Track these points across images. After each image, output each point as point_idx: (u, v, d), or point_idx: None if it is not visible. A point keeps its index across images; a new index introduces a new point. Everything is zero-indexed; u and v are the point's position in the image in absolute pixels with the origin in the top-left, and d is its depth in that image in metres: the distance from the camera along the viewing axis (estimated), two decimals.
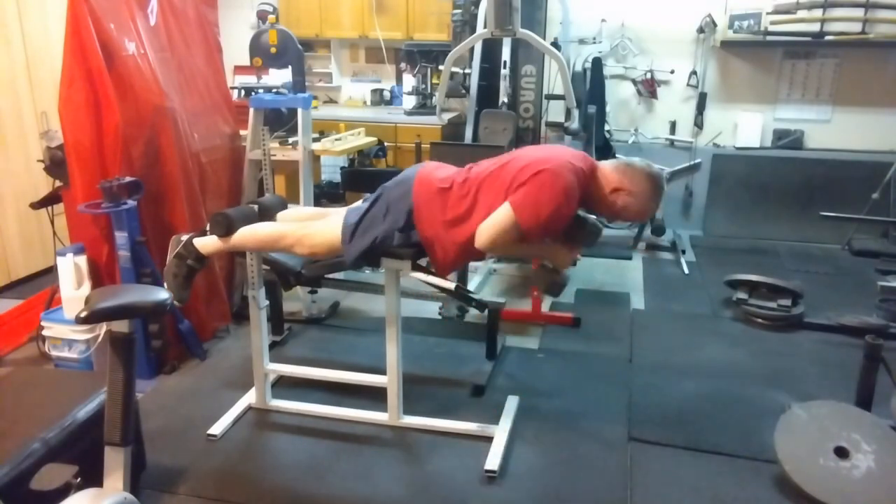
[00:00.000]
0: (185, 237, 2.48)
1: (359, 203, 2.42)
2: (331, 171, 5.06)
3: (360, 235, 2.28)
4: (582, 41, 5.24)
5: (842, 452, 2.25)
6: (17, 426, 1.87)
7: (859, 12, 4.74)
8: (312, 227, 2.37)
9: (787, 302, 3.66)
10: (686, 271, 4.50)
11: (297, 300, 3.71)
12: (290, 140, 3.71)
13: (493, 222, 2.14)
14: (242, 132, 3.70)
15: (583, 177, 2.19)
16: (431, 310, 3.68)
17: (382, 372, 2.60)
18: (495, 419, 2.64)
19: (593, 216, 2.33)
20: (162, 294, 1.61)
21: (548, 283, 2.37)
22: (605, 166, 2.27)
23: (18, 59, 3.91)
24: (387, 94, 5.90)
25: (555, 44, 4.89)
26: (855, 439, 2.27)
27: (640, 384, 3.00)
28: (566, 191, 2.11)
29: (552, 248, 2.30)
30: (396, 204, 2.26)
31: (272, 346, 3.18)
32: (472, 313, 3.62)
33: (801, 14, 4.82)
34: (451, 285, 2.27)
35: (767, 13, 4.88)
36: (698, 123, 5.27)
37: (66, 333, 2.94)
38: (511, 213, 2.11)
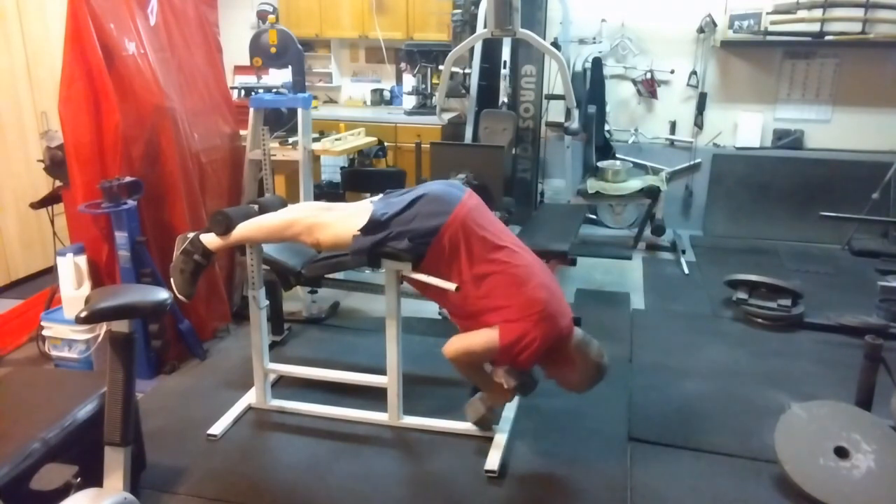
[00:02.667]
0: (191, 234, 2.49)
1: (378, 197, 2.43)
2: (331, 171, 5.06)
3: (378, 230, 2.27)
4: (582, 41, 5.24)
5: (842, 452, 2.25)
6: (17, 426, 1.87)
7: (859, 12, 4.74)
8: (324, 217, 2.36)
9: (787, 302, 3.65)
10: (686, 271, 4.50)
11: (297, 300, 3.71)
12: (290, 140, 3.71)
13: (473, 341, 2.23)
14: (242, 132, 3.70)
15: (563, 336, 2.27)
16: (431, 310, 3.68)
17: (382, 372, 2.60)
18: (495, 419, 2.64)
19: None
20: (162, 294, 1.62)
21: (480, 416, 2.53)
22: (575, 333, 2.34)
23: (18, 59, 3.91)
24: (387, 94, 5.90)
25: (555, 44, 4.89)
26: (855, 439, 2.27)
27: (640, 384, 3.00)
28: (548, 345, 2.21)
29: (496, 387, 2.37)
30: (425, 218, 2.25)
31: (272, 346, 3.18)
32: None
33: (801, 14, 4.82)
34: (451, 286, 2.28)
35: (767, 13, 4.88)
36: (698, 123, 5.27)
37: (66, 333, 2.94)
38: (496, 341, 2.18)
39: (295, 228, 2.36)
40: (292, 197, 3.67)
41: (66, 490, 1.70)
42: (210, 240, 2.45)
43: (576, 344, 2.31)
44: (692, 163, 5.35)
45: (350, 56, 6.00)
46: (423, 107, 5.42)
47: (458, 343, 2.27)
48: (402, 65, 5.63)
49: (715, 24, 5.02)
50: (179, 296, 2.42)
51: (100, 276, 3.02)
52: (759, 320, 3.64)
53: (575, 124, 4.26)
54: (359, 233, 2.28)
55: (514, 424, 2.64)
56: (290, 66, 3.89)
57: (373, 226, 2.27)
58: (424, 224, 2.24)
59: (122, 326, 1.53)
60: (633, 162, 5.26)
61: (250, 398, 2.79)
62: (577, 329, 2.35)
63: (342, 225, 2.31)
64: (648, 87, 5.32)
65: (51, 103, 3.68)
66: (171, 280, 2.46)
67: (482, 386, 2.49)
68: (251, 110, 3.60)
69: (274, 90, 3.72)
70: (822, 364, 3.22)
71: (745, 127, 5.24)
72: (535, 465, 2.45)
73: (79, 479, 1.76)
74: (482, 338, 2.21)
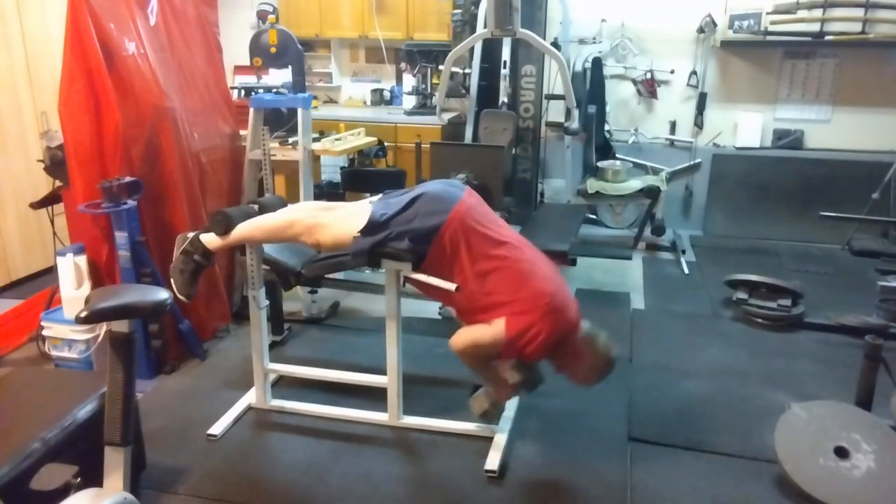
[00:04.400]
0: (191, 234, 2.49)
1: (377, 197, 2.43)
2: (331, 171, 5.05)
3: (378, 231, 2.27)
4: (582, 41, 5.24)
5: (842, 452, 2.25)
6: (17, 426, 1.87)
7: (859, 12, 4.74)
8: (324, 217, 2.36)
9: (787, 302, 3.65)
10: (686, 271, 4.50)
11: (297, 300, 3.71)
12: (290, 140, 3.71)
13: (480, 334, 2.21)
14: (242, 132, 3.70)
15: (571, 329, 2.25)
16: (431, 310, 3.68)
17: (382, 372, 2.60)
18: (499, 415, 2.64)
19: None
20: (162, 294, 1.61)
21: (484, 411, 2.48)
22: (582, 326, 2.32)
23: (18, 59, 3.91)
24: (387, 94, 5.90)
25: (555, 44, 4.89)
26: (855, 439, 2.27)
27: (640, 384, 3.00)
28: (556, 338, 2.18)
29: (501, 382, 2.37)
30: (424, 217, 2.25)
31: (272, 346, 3.18)
32: None
33: (801, 14, 4.82)
34: (451, 286, 2.28)
35: (767, 13, 4.88)
36: (698, 123, 5.27)
37: (66, 333, 2.94)
38: (502, 333, 2.17)
39: (295, 229, 2.36)
40: (292, 197, 3.67)
41: (66, 490, 1.70)
42: (210, 240, 2.45)
43: (583, 336, 2.28)
44: (692, 163, 5.35)
45: (350, 56, 5.99)
46: (423, 107, 5.42)
47: (466, 335, 2.26)
48: (402, 65, 5.62)
49: (715, 24, 5.01)
50: (180, 296, 2.42)
51: (100, 276, 3.02)
52: (759, 320, 3.64)
53: (575, 124, 4.26)
54: (359, 234, 2.28)
55: (514, 424, 2.64)
56: (290, 66, 3.89)
57: (372, 227, 2.27)
58: (424, 223, 2.24)
59: (122, 326, 1.53)
60: (633, 162, 5.26)
61: (250, 398, 2.79)
62: (585, 321, 2.33)
63: (342, 225, 2.31)
64: (648, 87, 5.31)
65: (51, 103, 3.68)
66: (172, 280, 2.46)
67: (488, 381, 2.47)
68: (251, 110, 3.60)
69: (274, 90, 3.72)
70: (822, 364, 3.22)
71: (745, 127, 5.24)
72: (535, 465, 2.45)
73: (79, 479, 1.76)
74: (489, 330, 2.20)
